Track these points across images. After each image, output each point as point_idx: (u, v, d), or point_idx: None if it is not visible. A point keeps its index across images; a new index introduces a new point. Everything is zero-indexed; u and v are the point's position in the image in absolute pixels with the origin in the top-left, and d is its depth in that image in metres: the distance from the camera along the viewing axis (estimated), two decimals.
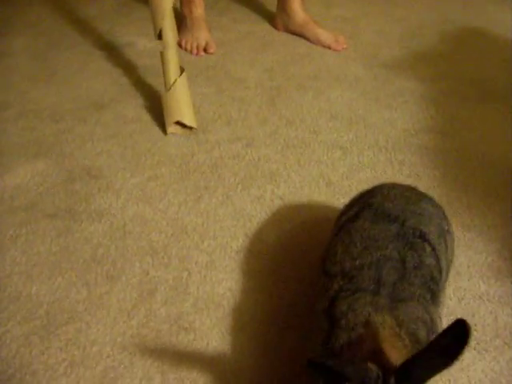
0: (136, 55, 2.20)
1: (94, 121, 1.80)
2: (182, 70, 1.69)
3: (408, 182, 1.53)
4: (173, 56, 1.66)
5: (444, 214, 1.13)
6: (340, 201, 1.47)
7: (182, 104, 1.67)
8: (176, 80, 1.66)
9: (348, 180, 1.55)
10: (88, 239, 1.38)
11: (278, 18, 2.27)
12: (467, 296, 1.22)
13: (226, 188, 1.51)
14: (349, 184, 1.53)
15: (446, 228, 1.10)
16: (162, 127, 1.75)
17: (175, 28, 1.68)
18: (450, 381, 1.05)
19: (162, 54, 1.66)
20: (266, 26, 2.43)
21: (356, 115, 1.84)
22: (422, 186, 1.49)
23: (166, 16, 1.62)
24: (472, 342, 1.13)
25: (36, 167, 1.61)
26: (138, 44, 2.31)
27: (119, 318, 1.20)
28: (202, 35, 2.20)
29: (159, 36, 1.65)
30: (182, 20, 2.19)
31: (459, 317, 0.66)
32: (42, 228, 1.43)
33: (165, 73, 1.67)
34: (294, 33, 2.34)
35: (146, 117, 1.82)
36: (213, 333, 1.17)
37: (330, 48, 2.23)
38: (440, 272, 0.99)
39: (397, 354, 0.77)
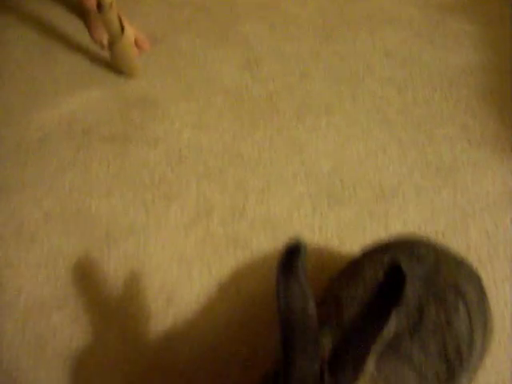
0: None
1: (147, 53, 1.80)
2: None
3: (464, 118, 1.51)
4: None
5: (485, 291, 0.89)
6: (395, 133, 1.46)
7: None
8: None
9: (403, 115, 1.53)
10: (144, 163, 1.40)
11: None
12: None
13: (281, 118, 1.51)
14: (404, 118, 1.51)
15: (487, 306, 0.87)
16: (217, 61, 1.74)
17: None
18: None
19: None
20: None
21: (410, 54, 1.80)
22: (479, 124, 1.47)
23: None
24: None
25: (91, 95, 1.63)
26: None
27: (177, 235, 1.22)
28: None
29: None
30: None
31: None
32: (99, 151, 1.44)
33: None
34: None
35: (199, 50, 1.81)
36: (270, 251, 1.18)
37: None
38: (470, 347, 0.77)
39: None
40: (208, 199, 1.28)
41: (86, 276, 1.15)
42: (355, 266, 0.89)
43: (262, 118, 1.51)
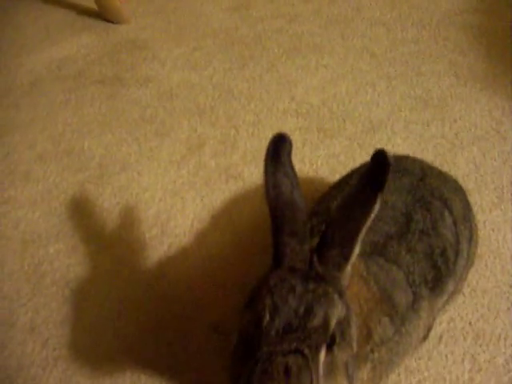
0: None
1: None
2: None
3: (453, 56, 1.52)
4: None
5: (471, 207, 0.91)
6: (384, 70, 1.47)
7: None
8: None
9: (392, 53, 1.54)
10: (136, 102, 1.41)
11: None
12: None
13: (271, 57, 1.51)
14: (393, 56, 1.52)
15: (473, 220, 0.89)
16: (207, 4, 1.74)
17: None
18: None
19: None
20: None
21: None
22: (467, 62, 1.48)
23: None
24: None
25: (81, 40, 1.63)
26: None
27: (170, 168, 1.24)
28: None
29: None
30: None
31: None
32: (90, 93, 1.45)
33: None
34: None
35: None
36: (260, 181, 1.19)
37: None
38: (456, 255, 0.80)
39: (362, 294, 0.68)
40: (200, 134, 1.30)
41: (81, 209, 1.17)
42: (345, 180, 0.91)
43: (251, 58, 1.52)
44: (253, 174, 1.21)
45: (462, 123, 1.33)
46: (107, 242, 1.13)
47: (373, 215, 0.58)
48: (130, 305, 1.03)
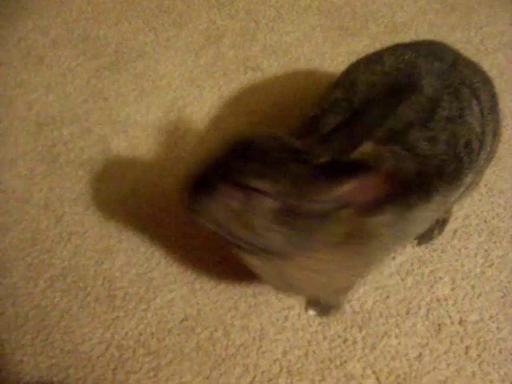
0: None
1: None
2: None
3: None
4: None
5: (497, 100, 0.85)
6: None
7: None
8: None
9: None
10: None
11: None
12: None
13: None
14: None
15: (498, 113, 0.84)
16: None
17: None
18: None
19: None
20: None
21: None
22: None
23: None
24: None
25: None
26: None
27: (187, 57, 1.21)
28: None
29: None
30: None
31: None
32: None
33: None
34: None
35: None
36: (279, 73, 1.17)
37: None
38: (481, 146, 0.76)
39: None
40: (219, 26, 1.27)
41: (96, 94, 1.16)
42: (375, 55, 0.87)
43: None
44: (272, 66, 1.18)
45: (488, 30, 1.30)
46: (122, 125, 1.12)
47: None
48: (144, 185, 1.03)
